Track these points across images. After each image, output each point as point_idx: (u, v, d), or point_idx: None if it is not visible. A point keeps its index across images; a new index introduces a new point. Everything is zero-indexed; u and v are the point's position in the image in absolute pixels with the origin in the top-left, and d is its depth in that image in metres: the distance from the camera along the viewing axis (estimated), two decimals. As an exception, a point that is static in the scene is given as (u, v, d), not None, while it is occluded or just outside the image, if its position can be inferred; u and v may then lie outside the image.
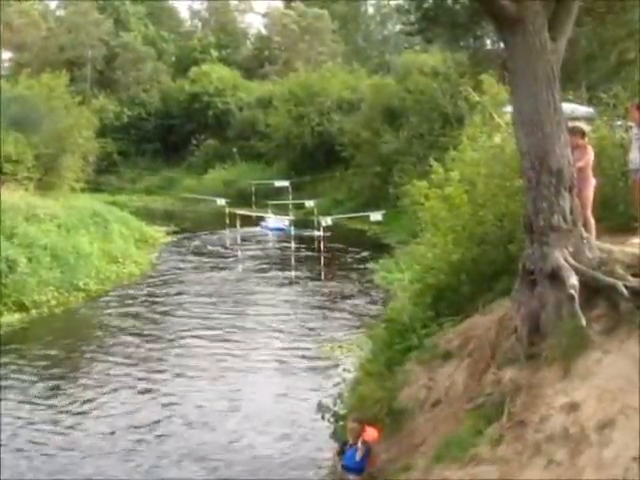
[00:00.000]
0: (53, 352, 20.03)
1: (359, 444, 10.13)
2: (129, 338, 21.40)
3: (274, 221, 42.55)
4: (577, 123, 10.47)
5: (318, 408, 12.81)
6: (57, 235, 27.97)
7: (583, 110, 18.77)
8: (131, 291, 27.57)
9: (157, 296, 26.82)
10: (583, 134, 10.10)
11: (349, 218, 39.18)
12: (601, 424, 6.80)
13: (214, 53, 72.90)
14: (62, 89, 36.38)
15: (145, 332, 22.05)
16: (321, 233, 31.58)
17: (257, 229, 42.27)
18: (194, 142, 65.51)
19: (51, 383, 17.65)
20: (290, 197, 44.63)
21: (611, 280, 8.26)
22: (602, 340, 7.87)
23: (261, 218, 43.12)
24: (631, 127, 10.99)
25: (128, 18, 73.43)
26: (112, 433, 14.66)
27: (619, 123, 13.34)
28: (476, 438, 7.94)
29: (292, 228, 36.60)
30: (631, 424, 6.57)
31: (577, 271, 8.44)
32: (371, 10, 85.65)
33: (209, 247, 37.96)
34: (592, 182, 10.07)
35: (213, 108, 66.01)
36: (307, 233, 37.05)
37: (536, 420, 7.45)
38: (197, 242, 39.74)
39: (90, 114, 41.92)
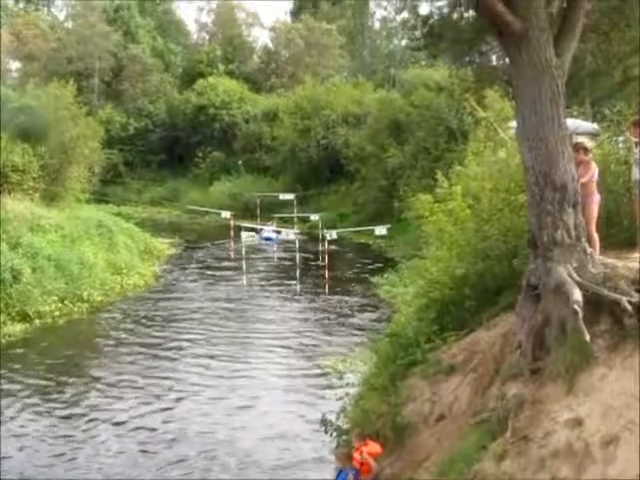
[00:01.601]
0: (55, 363, 20.05)
1: (349, 470, 10.21)
2: (132, 350, 21.41)
3: (270, 232, 42.94)
4: (580, 139, 10.50)
5: (322, 422, 12.80)
6: (62, 245, 28.03)
7: (587, 126, 18.80)
8: (135, 303, 27.59)
9: (161, 308, 26.82)
10: (585, 150, 10.12)
11: (354, 232, 39.25)
12: (605, 440, 6.78)
13: (221, 66, 73.15)
14: (69, 100, 36.47)
15: (148, 344, 22.05)
16: (326, 246, 31.60)
17: (262, 241, 42.41)
18: (200, 154, 65.62)
19: (52, 393, 17.66)
20: (295, 210, 44.70)
21: (615, 295, 8.24)
22: (606, 356, 7.85)
23: (261, 229, 43.42)
24: (636, 143, 11.01)
25: (137, 30, 73.79)
26: (114, 441, 14.71)
27: (623, 139, 13.36)
28: (480, 453, 7.92)
29: (297, 240, 36.61)
30: (635, 440, 6.55)
31: (581, 286, 8.44)
32: (377, 25, 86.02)
33: (213, 259, 38.01)
34: (596, 198, 10.09)
35: (219, 120, 66.19)
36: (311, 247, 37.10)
37: (540, 435, 7.44)
38: (201, 254, 39.81)
39: (96, 125, 42.05)
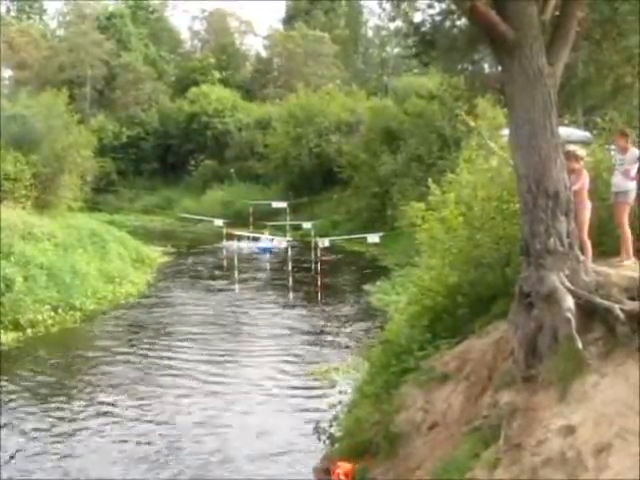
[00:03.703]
0: (47, 372, 19.96)
1: None
2: (124, 358, 21.32)
3: (264, 241, 42.92)
4: (571, 147, 10.55)
5: (315, 430, 12.79)
6: (54, 254, 27.89)
7: (579, 134, 18.88)
8: (127, 311, 27.51)
9: (153, 317, 26.74)
10: (577, 158, 10.17)
11: (347, 240, 39.23)
12: (598, 448, 6.78)
13: (215, 74, 73.18)
14: (61, 108, 36.36)
15: (140, 353, 21.97)
16: (318, 254, 31.59)
17: (255, 250, 42.38)
18: (192, 162, 65.60)
19: (44, 403, 17.56)
20: (288, 218, 44.69)
21: (607, 303, 8.27)
22: (599, 363, 7.86)
23: (257, 239, 43.37)
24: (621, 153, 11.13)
25: (130, 38, 73.80)
26: (107, 447, 14.68)
27: (614, 147, 13.42)
28: (473, 461, 7.90)
29: (289, 248, 36.61)
30: (628, 448, 6.55)
31: (573, 294, 8.46)
32: (370, 33, 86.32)
33: (206, 268, 37.94)
34: (588, 206, 10.14)
35: (212, 129, 66.17)
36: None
37: (533, 443, 7.43)
38: (194, 262, 39.74)
39: (89, 133, 41.93)
